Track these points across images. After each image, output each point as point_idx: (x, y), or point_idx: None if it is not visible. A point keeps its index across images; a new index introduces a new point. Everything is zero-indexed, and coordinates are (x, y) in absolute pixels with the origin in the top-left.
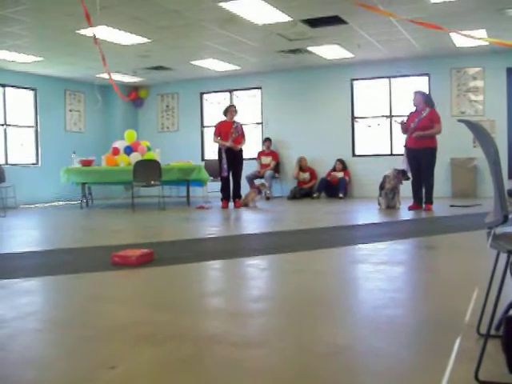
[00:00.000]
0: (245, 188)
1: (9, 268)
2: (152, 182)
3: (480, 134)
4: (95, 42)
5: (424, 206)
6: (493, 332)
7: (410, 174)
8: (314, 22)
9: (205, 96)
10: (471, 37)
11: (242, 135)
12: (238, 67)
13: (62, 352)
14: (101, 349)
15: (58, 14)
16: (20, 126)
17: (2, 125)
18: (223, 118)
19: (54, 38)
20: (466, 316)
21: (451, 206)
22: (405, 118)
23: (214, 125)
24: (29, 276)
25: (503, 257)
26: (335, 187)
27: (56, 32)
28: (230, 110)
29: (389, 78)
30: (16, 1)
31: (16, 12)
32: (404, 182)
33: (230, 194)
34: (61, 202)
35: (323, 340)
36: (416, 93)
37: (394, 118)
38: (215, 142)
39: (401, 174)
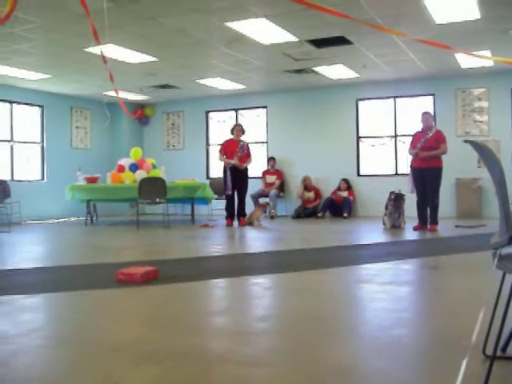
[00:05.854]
0: (249, 206)
1: (12, 284)
2: (157, 200)
3: (485, 154)
4: (104, 60)
5: (429, 226)
6: (499, 353)
7: (415, 194)
8: (319, 43)
9: (210, 114)
10: (479, 56)
11: (248, 154)
12: (243, 86)
13: (66, 369)
14: (104, 366)
15: (67, 32)
16: (26, 143)
17: (9, 141)
18: (229, 137)
19: (63, 55)
20: (473, 337)
21: (456, 226)
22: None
23: (221, 143)
24: (32, 292)
25: (509, 277)
26: (340, 207)
27: (64, 50)
28: (237, 129)
29: (394, 98)
30: (25, 19)
31: (25, 30)
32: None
33: (235, 213)
34: (66, 219)
35: (329, 360)
36: (425, 113)
37: (398, 138)
38: (221, 160)
39: (394, 198)
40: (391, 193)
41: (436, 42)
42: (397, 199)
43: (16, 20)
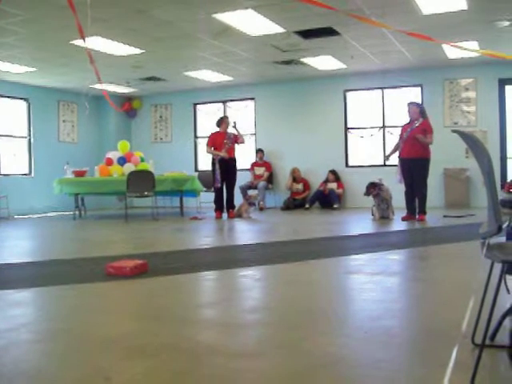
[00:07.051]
0: (238, 199)
1: (1, 279)
2: (145, 193)
3: (474, 144)
4: (91, 61)
5: (417, 216)
6: (488, 342)
7: (403, 184)
8: (307, 34)
9: (198, 107)
10: (462, 48)
11: (236, 140)
12: (231, 78)
13: (56, 363)
14: (95, 360)
15: (52, 25)
16: (13, 137)
17: None
18: (216, 129)
19: (48, 48)
20: (462, 326)
21: (444, 216)
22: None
23: (208, 135)
24: (22, 287)
25: (497, 267)
26: (329, 198)
27: (50, 43)
28: (224, 122)
29: (382, 88)
30: (11, 12)
31: (10, 23)
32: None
33: (224, 205)
34: (54, 213)
35: (318, 351)
36: (410, 104)
37: (387, 129)
38: (208, 152)
39: (370, 187)
40: (369, 183)
41: (421, 33)
42: (369, 189)
43: (0, 13)
